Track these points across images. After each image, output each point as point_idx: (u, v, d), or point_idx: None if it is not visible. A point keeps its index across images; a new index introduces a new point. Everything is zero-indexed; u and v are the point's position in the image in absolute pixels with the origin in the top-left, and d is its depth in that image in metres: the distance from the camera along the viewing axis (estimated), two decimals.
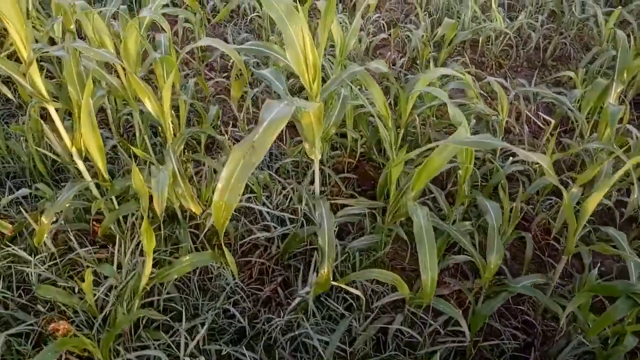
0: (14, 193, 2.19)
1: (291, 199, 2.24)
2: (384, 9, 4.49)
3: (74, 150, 1.72)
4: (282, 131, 2.79)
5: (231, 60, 3.50)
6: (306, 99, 1.64)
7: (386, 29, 4.02)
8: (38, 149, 2.03)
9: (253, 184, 2.06)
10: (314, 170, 2.22)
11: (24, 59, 1.53)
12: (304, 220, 2.05)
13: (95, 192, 1.84)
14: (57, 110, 1.66)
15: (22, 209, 1.90)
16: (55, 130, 1.80)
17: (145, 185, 1.46)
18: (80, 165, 1.75)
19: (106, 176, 1.74)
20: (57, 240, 1.91)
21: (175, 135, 1.88)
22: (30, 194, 2.11)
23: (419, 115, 2.56)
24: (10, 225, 1.55)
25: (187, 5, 2.84)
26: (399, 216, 1.85)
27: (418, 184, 1.73)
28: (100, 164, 1.69)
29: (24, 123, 2.44)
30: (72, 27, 1.65)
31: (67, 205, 1.81)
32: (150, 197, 1.56)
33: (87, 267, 1.75)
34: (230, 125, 2.76)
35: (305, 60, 1.51)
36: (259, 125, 1.15)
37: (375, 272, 1.59)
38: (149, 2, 2.06)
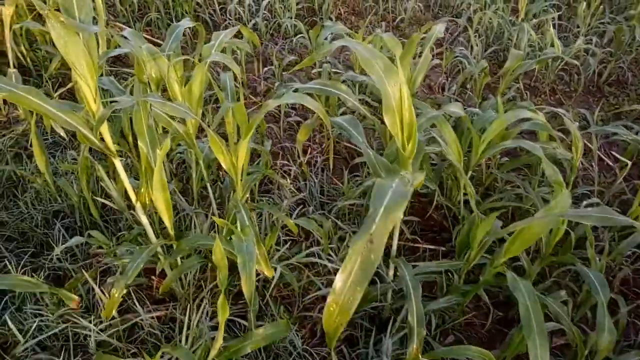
0: (63, 235, 2.09)
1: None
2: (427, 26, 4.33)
3: (138, 205, 1.60)
4: (333, 163, 2.68)
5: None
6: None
7: (434, 50, 3.85)
8: (96, 198, 1.91)
9: (318, 232, 1.91)
10: None
11: (93, 113, 1.41)
12: (375, 277, 1.91)
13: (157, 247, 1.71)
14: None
15: (73, 255, 1.78)
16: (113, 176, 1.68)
17: (226, 259, 1.32)
18: (144, 220, 1.63)
19: (172, 233, 1.61)
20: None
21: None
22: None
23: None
24: (77, 298, 1.43)
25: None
26: (486, 282, 1.69)
27: (512, 251, 1.58)
28: (168, 221, 1.56)
29: (73, 159, 2.34)
30: (145, 77, 1.53)
31: (126, 261, 1.69)
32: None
33: (149, 331, 1.63)
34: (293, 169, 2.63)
35: (401, 120, 1.36)
36: (373, 214, 1.01)
37: (472, 350, 1.43)
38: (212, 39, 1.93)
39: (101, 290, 1.71)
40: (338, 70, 3.33)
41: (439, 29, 2.27)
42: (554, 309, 1.55)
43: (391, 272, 1.83)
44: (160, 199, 1.50)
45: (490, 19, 3.80)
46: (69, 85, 1.89)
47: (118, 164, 1.50)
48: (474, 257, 1.78)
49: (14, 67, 2.27)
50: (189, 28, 3.82)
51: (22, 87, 1.34)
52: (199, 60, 1.90)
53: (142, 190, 1.57)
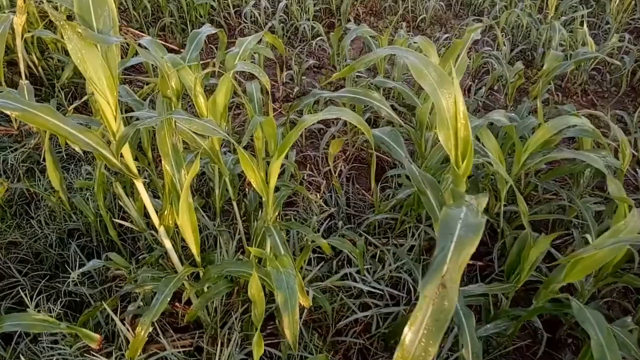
0: (79, 256, 1.97)
1: (389, 264, 1.96)
2: (448, 25, 4.17)
3: (161, 229, 1.47)
4: (367, 174, 2.53)
5: (295, 90, 3.24)
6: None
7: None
8: (115, 220, 1.79)
9: (352, 252, 1.77)
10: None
11: (113, 132, 1.28)
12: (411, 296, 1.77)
13: (180, 270, 1.58)
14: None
15: (90, 277, 1.66)
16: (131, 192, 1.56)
17: (263, 292, 1.19)
18: (168, 245, 1.50)
19: (198, 259, 1.48)
20: (135, 324, 1.66)
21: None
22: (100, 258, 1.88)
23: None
24: (99, 337, 1.30)
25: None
26: (541, 309, 1.54)
27: (572, 277, 1.43)
28: (194, 247, 1.43)
29: (88, 175, 2.22)
30: (169, 91, 1.40)
31: (149, 288, 1.57)
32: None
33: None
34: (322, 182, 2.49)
35: (456, 134, 1.22)
36: (442, 254, 0.86)
37: None
38: (235, 46, 1.79)
39: (122, 321, 1.58)
40: (360, 74, 3.19)
41: (475, 33, 2.12)
42: (622, 339, 1.40)
43: None
44: (187, 224, 1.36)
45: (518, 16, 3.63)
46: (84, 98, 1.77)
47: (140, 186, 1.37)
48: (523, 279, 1.64)
49: (26, 77, 2.15)
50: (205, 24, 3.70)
51: (37, 105, 1.21)
52: (222, 69, 1.77)
53: (166, 212, 1.44)
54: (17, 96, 1.22)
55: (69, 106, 2.75)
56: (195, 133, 1.52)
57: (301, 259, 1.74)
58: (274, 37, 2.05)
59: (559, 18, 3.58)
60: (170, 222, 1.48)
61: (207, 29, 1.95)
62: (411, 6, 4.21)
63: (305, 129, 2.86)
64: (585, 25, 3.19)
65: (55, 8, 2.66)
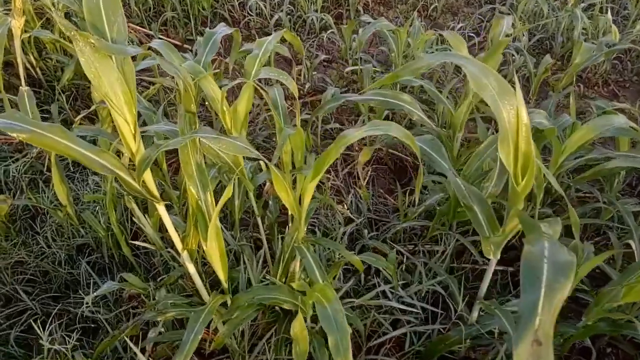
0: (90, 274, 1.84)
1: (419, 273, 1.84)
2: (461, 14, 4.01)
3: (185, 253, 1.34)
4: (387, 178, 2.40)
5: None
6: None
7: (468, 40, 3.54)
8: (131, 242, 1.67)
9: (387, 269, 1.66)
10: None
11: (132, 153, 1.15)
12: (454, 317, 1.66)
13: (205, 296, 1.46)
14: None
15: (103, 297, 1.54)
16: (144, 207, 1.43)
17: (306, 330, 1.07)
18: (192, 269, 1.38)
19: (226, 286, 1.36)
20: (156, 352, 1.55)
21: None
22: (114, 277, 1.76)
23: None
24: None
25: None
26: (592, 330, 1.44)
27: (631, 296, 1.32)
28: (222, 274, 1.31)
29: (97, 186, 2.09)
30: (193, 106, 1.26)
31: (172, 314, 1.45)
32: None
33: None
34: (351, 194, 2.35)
35: (516, 149, 1.10)
36: (531, 304, 0.75)
37: None
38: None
39: (142, 350, 1.47)
40: (375, 69, 3.04)
41: (506, 22, 1.98)
42: None
43: (475, 314, 1.57)
44: (215, 250, 1.24)
45: (537, 3, 3.47)
46: (92, 108, 1.63)
47: (162, 210, 1.24)
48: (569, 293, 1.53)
49: (25, 82, 2.00)
50: (213, 18, 3.53)
51: (45, 125, 1.08)
52: (234, 69, 1.63)
53: (190, 235, 1.32)
54: (22, 115, 1.08)
55: (71, 110, 2.61)
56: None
57: (331, 276, 1.62)
58: (293, 36, 1.91)
59: (579, 5, 3.43)
60: (194, 245, 1.36)
61: (222, 29, 1.80)
62: None
63: (322, 128, 2.74)
64: (609, 13, 3.05)
65: (66, 16, 2.50)
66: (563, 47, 3.37)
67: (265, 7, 3.58)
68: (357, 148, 2.63)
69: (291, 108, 2.94)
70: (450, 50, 2.71)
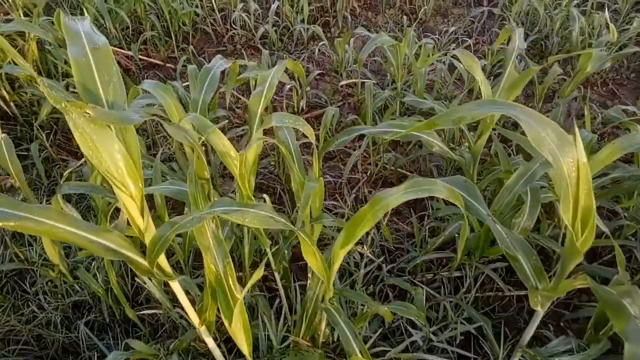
0: (90, 339, 1.68)
1: (450, 310, 1.74)
2: (450, 16, 3.91)
3: (202, 328, 1.20)
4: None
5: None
6: None
7: (472, 49, 3.43)
8: (138, 305, 1.51)
9: (419, 318, 1.54)
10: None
11: (140, 232, 1.00)
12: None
13: None
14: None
15: None
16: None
17: None
18: (211, 344, 1.24)
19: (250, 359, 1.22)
20: None
21: None
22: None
23: None
24: None
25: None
26: None
27: None
28: (246, 349, 1.18)
29: None
30: (206, 173, 1.11)
31: None
32: None
33: None
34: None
35: (576, 203, 0.98)
36: None
37: None
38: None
39: None
40: (369, 79, 2.91)
41: (519, 37, 1.87)
42: None
43: None
44: (240, 329, 1.10)
45: (529, 2, 3.39)
46: (78, 165, 1.46)
47: (177, 287, 1.10)
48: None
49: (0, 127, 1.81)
50: (195, 33, 3.35)
51: (37, 208, 0.93)
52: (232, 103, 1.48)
53: (208, 309, 1.17)
54: (8, 199, 0.93)
55: (52, 146, 2.42)
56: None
57: (357, 327, 1.50)
58: (295, 64, 1.77)
59: (572, 2, 3.36)
60: (212, 317, 1.21)
61: (220, 62, 1.66)
62: None
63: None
64: (606, 11, 2.98)
65: (39, 44, 2.30)
66: (561, 49, 3.30)
67: (249, 19, 3.41)
68: (361, 170, 2.50)
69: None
70: (457, 60, 2.60)
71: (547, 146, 0.91)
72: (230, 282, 1.09)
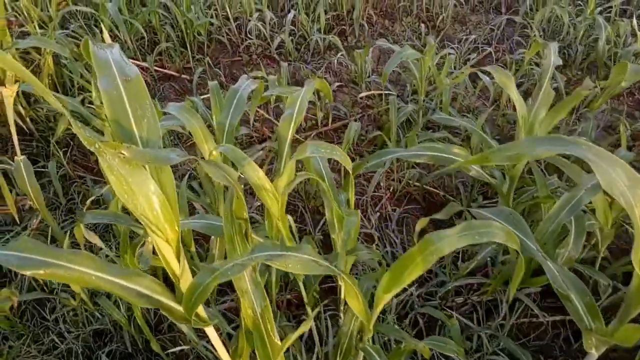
0: None
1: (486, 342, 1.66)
2: (469, 23, 3.83)
3: None
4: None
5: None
6: None
7: (494, 58, 3.35)
8: (166, 349, 1.44)
9: (458, 355, 1.46)
10: None
11: (176, 277, 0.94)
12: None
13: None
14: None
15: None
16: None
17: None
18: None
19: None
20: None
21: None
22: None
23: None
24: None
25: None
26: None
27: None
28: None
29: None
30: (245, 213, 1.05)
31: None
32: None
33: None
34: None
35: None
36: None
37: None
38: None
39: None
40: (389, 91, 2.85)
41: (554, 53, 1.79)
42: None
43: None
44: None
45: (553, 10, 3.30)
46: (101, 192, 1.40)
47: (212, 333, 1.03)
48: None
49: (19, 150, 1.76)
50: (209, 43, 3.30)
51: (66, 253, 0.88)
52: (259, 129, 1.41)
53: (243, 355, 1.11)
54: (36, 244, 0.87)
55: (68, 163, 2.37)
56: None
57: None
58: (323, 84, 1.70)
59: (596, 9, 3.27)
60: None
61: (246, 83, 1.60)
62: (426, 4, 3.85)
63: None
64: (634, 19, 2.89)
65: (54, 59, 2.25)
66: (586, 57, 3.21)
67: (265, 29, 3.35)
68: (384, 186, 2.43)
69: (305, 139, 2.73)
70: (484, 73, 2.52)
71: (618, 188, 0.84)
72: (269, 327, 1.02)
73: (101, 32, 2.97)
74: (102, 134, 2.41)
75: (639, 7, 3.65)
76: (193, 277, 0.93)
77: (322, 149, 1.19)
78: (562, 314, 1.87)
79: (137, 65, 3.09)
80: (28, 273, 0.83)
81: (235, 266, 0.87)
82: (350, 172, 1.22)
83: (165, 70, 3.19)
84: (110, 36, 3.08)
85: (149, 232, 0.90)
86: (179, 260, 0.93)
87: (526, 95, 3.03)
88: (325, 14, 3.42)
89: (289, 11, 3.65)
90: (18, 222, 1.93)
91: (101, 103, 2.08)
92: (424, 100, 2.57)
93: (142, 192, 0.86)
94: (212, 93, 2.01)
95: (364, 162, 1.62)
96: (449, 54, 2.72)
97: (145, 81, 3.10)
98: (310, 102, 2.81)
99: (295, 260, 0.91)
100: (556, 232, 1.42)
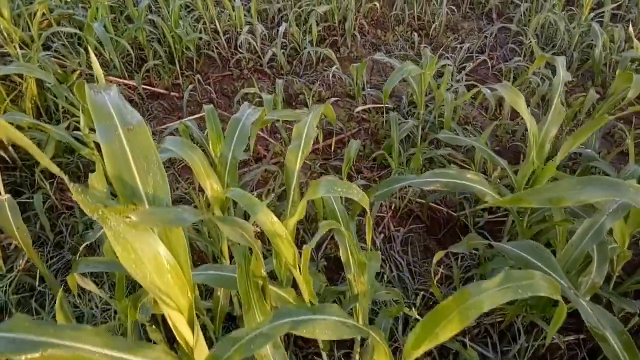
0: None
1: None
2: (461, 30, 3.78)
3: None
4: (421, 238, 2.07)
5: None
6: None
7: (489, 66, 3.31)
8: None
9: None
10: None
11: (189, 347, 0.85)
12: None
13: None
14: None
15: None
16: None
17: None
18: None
19: None
20: None
21: None
22: None
23: None
24: None
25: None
26: None
27: None
28: None
29: (104, 307, 1.76)
30: (263, 271, 0.95)
31: None
32: None
33: None
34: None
35: None
36: None
37: None
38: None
39: None
40: (386, 104, 2.78)
41: (562, 68, 1.74)
42: None
43: None
44: None
45: (547, 17, 3.27)
46: (87, 243, 1.30)
47: None
48: None
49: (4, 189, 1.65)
50: (198, 58, 3.19)
51: (69, 330, 0.79)
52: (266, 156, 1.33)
53: None
54: (34, 322, 0.78)
55: (54, 194, 2.24)
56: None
57: None
58: (329, 109, 1.62)
59: (589, 16, 3.25)
60: None
61: (248, 112, 1.51)
62: (417, 12, 3.80)
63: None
64: (630, 27, 2.87)
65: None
66: (581, 64, 3.19)
67: (256, 42, 3.26)
68: (386, 203, 2.36)
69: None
70: (476, 84, 2.47)
71: None
72: None
73: (86, 51, 2.86)
74: (93, 163, 2.30)
75: (629, 11, 3.65)
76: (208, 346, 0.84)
77: (338, 188, 1.11)
78: (576, 334, 1.82)
79: (125, 84, 2.99)
80: (22, 358, 0.74)
81: (258, 337, 0.78)
82: (367, 208, 1.13)
83: (154, 88, 3.07)
84: (96, 54, 2.95)
85: (159, 302, 0.81)
86: (192, 329, 0.84)
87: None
88: (317, 25, 3.34)
89: (279, 23, 3.57)
90: (3, 266, 1.80)
91: (91, 130, 1.97)
92: (422, 113, 2.51)
93: (150, 256, 0.77)
94: (208, 118, 1.91)
95: (372, 190, 1.54)
96: (447, 65, 2.67)
97: (133, 100, 2.99)
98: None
99: (323, 325, 0.83)
100: (579, 261, 1.36)
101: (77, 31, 2.71)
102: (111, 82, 2.92)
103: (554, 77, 1.76)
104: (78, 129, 2.47)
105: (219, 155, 1.43)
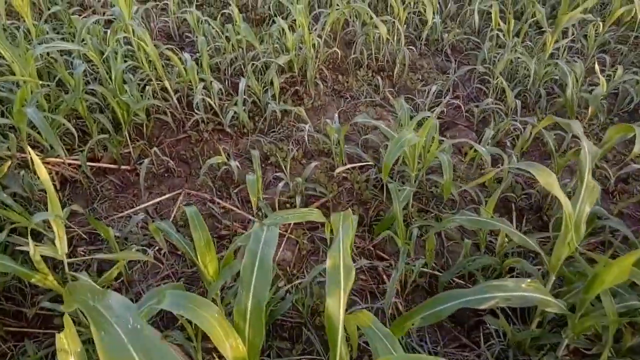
0: None
1: None
2: (422, 71, 3.68)
3: None
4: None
5: None
6: None
7: (460, 109, 3.21)
8: None
9: None
10: None
11: None
12: None
13: None
14: None
15: None
16: None
17: None
18: None
19: None
20: None
21: None
22: None
23: None
24: None
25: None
26: None
27: None
28: None
29: None
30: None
31: None
32: None
33: None
34: None
35: None
36: None
37: None
38: None
39: None
40: (367, 162, 2.58)
41: (584, 140, 1.61)
42: None
43: None
44: None
45: (516, 58, 3.24)
46: None
47: None
48: None
49: None
50: (148, 122, 2.81)
51: None
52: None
53: None
54: None
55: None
56: None
57: None
58: (319, 214, 1.37)
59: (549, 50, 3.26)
60: None
61: (265, 234, 1.23)
62: (375, 53, 3.67)
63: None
64: (596, 66, 2.89)
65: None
66: (552, 103, 3.18)
67: (212, 99, 2.95)
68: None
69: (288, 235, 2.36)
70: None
71: None
72: None
73: (16, 132, 2.37)
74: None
75: (578, 42, 3.74)
76: None
77: None
78: None
79: (67, 166, 2.55)
80: None
81: None
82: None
83: (100, 164, 2.66)
84: (29, 144, 2.49)
85: None
86: None
87: (498, 145, 2.91)
88: (278, 77, 3.10)
89: (232, 75, 3.29)
90: None
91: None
92: (416, 176, 2.32)
93: None
94: (192, 220, 1.62)
95: (413, 314, 1.31)
96: (426, 117, 2.51)
97: (79, 181, 2.56)
98: (285, 184, 2.46)
99: None
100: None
101: (7, 121, 2.26)
102: (49, 163, 2.48)
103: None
104: (14, 232, 2.04)
105: (238, 309, 1.12)
